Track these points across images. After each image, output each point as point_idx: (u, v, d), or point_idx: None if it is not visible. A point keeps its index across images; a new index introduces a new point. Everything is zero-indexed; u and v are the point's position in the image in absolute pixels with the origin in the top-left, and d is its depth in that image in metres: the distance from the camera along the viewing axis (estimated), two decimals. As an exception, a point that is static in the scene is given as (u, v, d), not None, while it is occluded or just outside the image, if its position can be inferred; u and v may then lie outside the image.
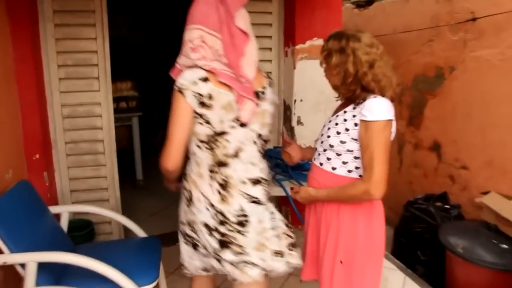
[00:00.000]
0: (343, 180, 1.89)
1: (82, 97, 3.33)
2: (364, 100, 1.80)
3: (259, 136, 1.79)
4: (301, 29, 3.41)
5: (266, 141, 1.86)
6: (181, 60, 1.73)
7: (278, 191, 2.79)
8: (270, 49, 3.61)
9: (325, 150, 1.94)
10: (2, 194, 2.35)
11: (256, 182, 1.79)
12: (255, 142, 1.77)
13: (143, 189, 4.95)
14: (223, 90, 1.65)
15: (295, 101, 3.50)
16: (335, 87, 1.94)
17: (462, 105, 3.52)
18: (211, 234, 1.74)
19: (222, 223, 1.72)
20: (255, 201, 1.77)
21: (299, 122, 3.55)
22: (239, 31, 1.69)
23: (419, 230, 3.36)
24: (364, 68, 1.78)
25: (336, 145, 1.87)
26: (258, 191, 1.79)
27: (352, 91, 1.83)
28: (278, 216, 1.92)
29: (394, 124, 1.82)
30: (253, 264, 1.73)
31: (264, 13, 3.52)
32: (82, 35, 3.23)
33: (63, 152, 3.37)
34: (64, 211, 2.80)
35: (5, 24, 2.86)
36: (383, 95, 1.81)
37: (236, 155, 1.72)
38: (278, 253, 1.80)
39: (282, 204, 3.81)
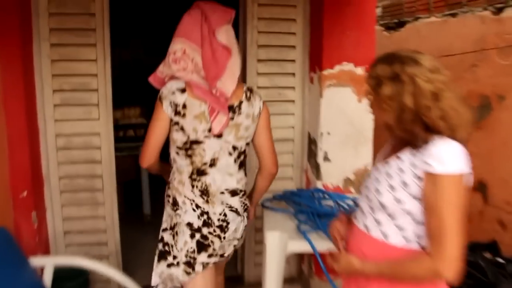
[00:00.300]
0: (398, 252, 1.42)
1: (79, 127, 2.94)
2: (427, 143, 1.35)
3: (234, 148, 1.89)
4: (329, 52, 2.99)
5: (243, 153, 1.95)
6: (162, 69, 1.91)
7: (302, 245, 2.30)
8: (293, 74, 3.19)
9: (373, 210, 1.49)
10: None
11: (233, 193, 1.92)
12: (230, 153, 1.88)
13: (151, 225, 4.48)
14: (198, 102, 1.80)
15: (321, 134, 3.06)
16: (387, 126, 1.46)
17: (514, 139, 3.04)
18: (192, 236, 1.86)
19: (205, 224, 1.86)
20: (235, 211, 1.92)
21: (325, 158, 3.09)
22: (221, 46, 1.78)
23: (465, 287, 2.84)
24: (427, 101, 1.34)
25: (389, 204, 1.41)
26: (236, 202, 1.93)
27: (410, 132, 1.38)
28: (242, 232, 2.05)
29: (471, 177, 1.35)
30: (215, 263, 1.95)
31: (286, 34, 3.12)
32: (81, 56, 2.85)
33: (56, 189, 2.97)
34: (48, 264, 2.36)
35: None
36: (453, 136, 1.35)
37: (213, 163, 1.85)
38: (223, 256, 1.99)
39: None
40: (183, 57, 1.81)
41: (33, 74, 2.78)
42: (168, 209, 1.97)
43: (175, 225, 1.90)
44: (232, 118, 1.85)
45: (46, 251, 2.96)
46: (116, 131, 4.05)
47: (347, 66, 3.03)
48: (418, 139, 1.37)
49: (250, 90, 1.97)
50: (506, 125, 3.12)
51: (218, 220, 1.89)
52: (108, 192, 3.04)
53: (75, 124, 2.93)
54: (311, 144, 3.20)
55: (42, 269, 2.39)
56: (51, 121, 2.88)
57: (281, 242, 2.33)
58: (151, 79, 1.96)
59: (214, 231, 1.88)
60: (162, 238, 1.96)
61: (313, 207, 2.60)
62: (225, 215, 1.90)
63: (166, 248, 1.93)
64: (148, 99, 4.01)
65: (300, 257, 3.45)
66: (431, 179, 1.32)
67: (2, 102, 2.58)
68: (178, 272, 1.88)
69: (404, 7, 3.96)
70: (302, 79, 3.20)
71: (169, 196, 1.95)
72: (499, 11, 3.17)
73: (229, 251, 2.03)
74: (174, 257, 1.90)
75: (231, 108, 1.85)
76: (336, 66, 3.01)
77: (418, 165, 1.36)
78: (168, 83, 1.85)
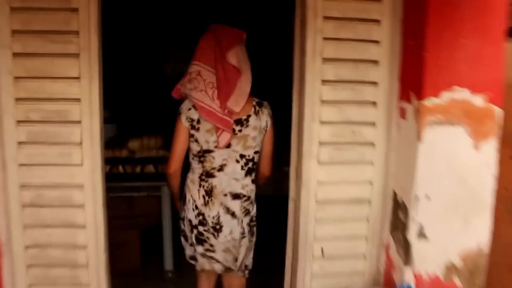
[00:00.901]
0: None
1: (53, 175, 2.00)
2: None
3: (242, 156, 2.10)
4: (434, 71, 1.89)
5: (251, 160, 2.13)
6: (180, 86, 2.11)
7: None
8: (374, 103, 2.12)
9: None
10: None
11: (236, 196, 2.11)
12: (237, 161, 2.09)
13: (172, 284, 3.50)
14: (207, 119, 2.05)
15: (416, 197, 1.96)
16: None
17: None
18: (191, 231, 2.16)
19: (201, 223, 2.12)
20: (231, 214, 2.11)
21: (421, 234, 1.99)
22: (231, 67, 2.01)
23: None
24: None
25: None
26: (236, 205, 2.12)
27: None
28: (247, 231, 2.19)
29: None
30: (218, 261, 2.18)
31: (366, 42, 2.07)
32: (57, 71, 1.92)
33: (20, 262, 2.04)
34: None
35: None
36: None
37: (221, 169, 2.09)
38: (236, 260, 2.18)
39: None
40: (196, 78, 2.03)
41: (-16, 97, 1.88)
42: (182, 203, 2.24)
43: (184, 218, 2.21)
44: (240, 130, 2.06)
45: None
46: (132, 166, 3.17)
47: (461, 94, 1.92)
48: None
49: (259, 104, 2.12)
50: None
51: (212, 222, 2.11)
52: (95, 269, 2.08)
53: (48, 171, 2.00)
54: (399, 210, 2.09)
55: None
56: (13, 166, 1.97)
57: None
58: (173, 93, 2.14)
59: (209, 230, 2.11)
60: (180, 225, 2.28)
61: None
62: (218, 218, 2.10)
63: (183, 233, 2.26)
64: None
65: None
66: None
67: None
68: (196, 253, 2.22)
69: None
70: (388, 111, 2.12)
71: (183, 192, 2.21)
72: None
73: (228, 260, 2.18)
74: (187, 239, 2.23)
75: (239, 122, 2.06)
76: (444, 93, 1.91)
77: None
78: (186, 100, 2.08)
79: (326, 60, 2.04)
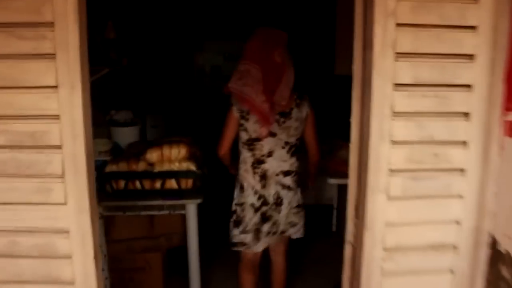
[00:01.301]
0: None
1: (29, 216, 1.50)
2: None
3: (286, 143, 2.34)
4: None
5: (294, 146, 2.37)
6: (231, 83, 2.27)
7: None
8: (466, 115, 1.51)
9: None
10: None
11: (287, 173, 2.37)
12: (283, 147, 2.34)
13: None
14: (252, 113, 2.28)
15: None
16: None
17: None
18: (255, 212, 2.39)
19: (264, 203, 2.38)
20: (287, 188, 2.38)
21: (536, 299, 1.38)
22: (277, 64, 2.21)
23: None
24: None
25: None
26: (288, 180, 2.38)
27: None
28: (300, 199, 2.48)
29: None
30: (282, 231, 2.47)
31: (456, 29, 1.45)
32: (26, 79, 1.40)
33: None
34: None
35: None
36: None
37: (270, 155, 2.33)
38: (295, 224, 2.48)
39: None
40: (246, 75, 2.22)
41: None
42: (237, 191, 2.47)
43: (242, 203, 2.42)
44: (284, 122, 2.30)
45: None
46: (151, 181, 2.68)
47: None
48: None
49: (300, 97, 2.34)
50: None
51: (273, 199, 2.38)
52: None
53: (23, 212, 1.49)
54: (500, 263, 1.50)
55: None
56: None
57: None
58: (225, 91, 2.29)
59: (271, 207, 2.39)
60: (235, 210, 2.46)
61: None
62: (277, 194, 2.38)
63: (238, 219, 2.45)
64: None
65: None
66: None
67: None
68: (247, 238, 2.43)
69: None
70: (485, 125, 1.51)
71: (237, 181, 2.46)
72: None
73: (287, 227, 2.48)
74: (245, 227, 2.42)
75: (283, 114, 2.30)
76: None
77: None
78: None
79: (400, 55, 1.44)
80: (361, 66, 1.52)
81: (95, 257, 1.51)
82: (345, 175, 2.01)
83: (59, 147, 1.44)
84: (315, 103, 2.41)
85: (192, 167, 2.72)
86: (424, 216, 1.58)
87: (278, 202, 2.39)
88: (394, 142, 1.50)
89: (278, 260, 2.68)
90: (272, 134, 2.30)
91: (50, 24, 1.37)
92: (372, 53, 1.42)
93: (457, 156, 1.54)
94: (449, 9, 1.44)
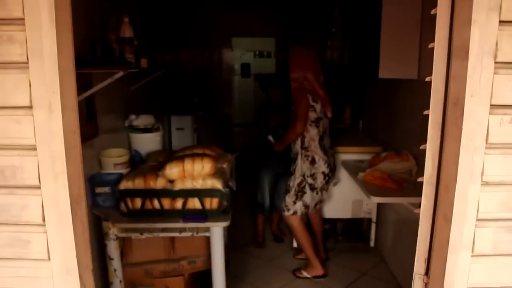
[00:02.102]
0: None
1: (4, 274, 1.13)
2: None
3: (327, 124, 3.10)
4: None
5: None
6: (302, 84, 3.01)
7: None
8: None
9: None
10: None
11: (330, 147, 3.13)
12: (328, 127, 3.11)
13: None
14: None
15: None
16: None
17: None
18: (324, 178, 3.04)
19: (331, 170, 3.07)
20: (333, 156, 3.16)
21: None
22: (319, 71, 3.07)
23: None
24: None
25: None
26: (332, 154, 3.13)
27: None
28: None
29: None
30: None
31: None
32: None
33: None
34: None
35: None
36: None
37: (324, 132, 3.04)
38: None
39: None
40: (305, 79, 2.99)
41: None
42: (306, 164, 3.03)
43: (314, 173, 3.03)
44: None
45: None
46: (172, 200, 2.36)
47: None
48: None
49: None
50: None
51: (333, 165, 3.12)
52: None
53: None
54: None
55: None
56: None
57: None
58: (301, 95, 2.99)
59: (333, 172, 3.14)
60: (304, 181, 3.05)
61: None
62: (334, 161, 3.14)
63: (312, 187, 3.08)
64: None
65: None
66: None
67: None
68: (317, 197, 3.13)
69: None
70: None
71: (308, 156, 3.02)
72: None
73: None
74: (316, 190, 3.09)
75: None
76: None
77: None
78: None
79: (502, 65, 1.04)
80: (443, 79, 1.11)
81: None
82: (387, 192, 2.51)
83: (37, 187, 1.08)
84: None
85: (218, 185, 2.32)
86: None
87: (334, 169, 3.15)
88: (487, 183, 1.10)
89: (317, 217, 3.42)
90: (325, 115, 3.05)
91: (20, 20, 1.00)
92: (465, 63, 1.01)
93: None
94: None
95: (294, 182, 3.14)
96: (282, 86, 3.53)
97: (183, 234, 2.43)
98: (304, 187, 3.14)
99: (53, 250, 1.12)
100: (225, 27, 6.47)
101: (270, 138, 3.34)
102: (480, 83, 1.02)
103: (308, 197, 3.14)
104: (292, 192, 3.16)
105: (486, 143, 1.08)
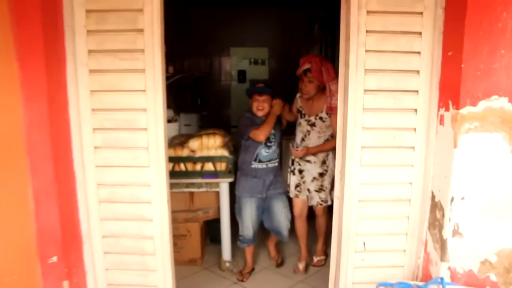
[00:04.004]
0: None
1: (125, 175, 2.29)
2: None
3: None
4: (472, 81, 2.00)
5: None
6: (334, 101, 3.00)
7: None
8: (415, 110, 2.25)
9: None
10: None
11: None
12: None
13: (229, 272, 3.74)
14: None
15: (452, 198, 2.09)
16: None
17: None
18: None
19: None
20: None
21: (456, 233, 2.13)
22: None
23: None
24: None
25: None
26: None
27: None
28: None
29: None
30: None
31: (407, 54, 2.20)
32: (126, 85, 2.19)
33: (99, 249, 2.36)
34: None
35: (11, 72, 1.91)
36: None
37: None
38: None
39: None
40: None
41: (66, 109, 2.18)
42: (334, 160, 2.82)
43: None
44: None
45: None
46: (193, 164, 3.42)
47: (498, 102, 2.02)
48: None
49: None
50: None
51: None
52: (161, 257, 2.36)
53: (120, 172, 2.30)
54: (436, 209, 2.24)
55: None
56: (91, 168, 2.27)
57: None
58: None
59: None
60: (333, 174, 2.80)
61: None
62: None
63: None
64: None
65: None
66: None
67: (24, 147, 2.01)
68: None
69: None
70: (427, 118, 2.25)
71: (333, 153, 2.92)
72: None
73: None
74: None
75: None
76: (481, 102, 2.02)
77: None
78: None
79: (368, 71, 2.20)
80: (343, 78, 2.27)
81: (168, 201, 2.31)
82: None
83: (145, 129, 2.23)
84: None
85: (226, 153, 3.46)
86: (386, 179, 2.33)
87: None
88: (364, 128, 2.25)
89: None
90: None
91: (142, 51, 2.15)
92: (349, 70, 2.17)
93: (409, 138, 2.28)
94: (402, 40, 2.18)
95: (329, 179, 3.34)
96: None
97: (200, 190, 3.55)
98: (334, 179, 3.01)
99: (151, 162, 2.26)
100: (224, 38, 7.57)
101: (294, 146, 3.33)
102: (356, 79, 2.17)
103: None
104: (329, 188, 3.35)
105: (363, 108, 2.23)
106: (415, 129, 2.28)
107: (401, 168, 2.32)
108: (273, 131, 3.28)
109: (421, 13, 2.16)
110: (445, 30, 2.15)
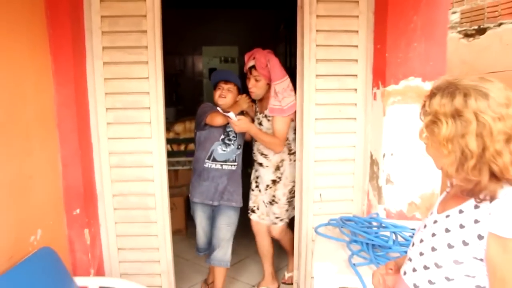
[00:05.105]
0: None
1: (131, 145, 2.90)
2: (494, 196, 1.13)
3: None
4: (394, 66, 2.72)
5: None
6: (284, 102, 3.01)
7: (352, 280, 2.12)
8: (355, 90, 2.95)
9: (426, 268, 1.28)
10: (18, 263, 2.03)
11: None
12: None
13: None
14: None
15: (384, 155, 2.80)
16: (446, 173, 1.24)
17: None
18: None
19: None
20: None
21: (388, 181, 2.84)
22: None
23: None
24: (496, 144, 1.11)
25: (446, 264, 1.21)
26: None
27: (474, 182, 1.15)
28: None
29: None
30: None
31: (348, 47, 2.89)
32: (133, 74, 2.81)
33: (110, 206, 2.96)
34: (91, 285, 2.36)
35: (46, 63, 2.51)
36: None
37: None
38: None
39: None
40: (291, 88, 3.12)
41: (86, 93, 2.78)
42: (294, 168, 3.09)
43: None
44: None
45: (99, 267, 2.97)
46: (178, 145, 4.02)
47: (414, 82, 2.75)
48: (484, 190, 1.14)
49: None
50: None
51: None
52: (161, 210, 2.99)
53: (128, 142, 2.90)
54: (373, 165, 2.95)
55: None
56: (104, 139, 2.87)
57: (329, 275, 2.17)
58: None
59: None
60: (294, 186, 3.16)
61: (368, 238, 2.38)
62: None
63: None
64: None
65: None
66: (498, 242, 1.10)
67: (55, 122, 2.60)
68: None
69: (486, 11, 3.55)
70: (365, 95, 2.95)
71: (295, 160, 3.11)
72: None
73: None
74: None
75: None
76: (402, 82, 2.74)
77: (482, 221, 1.14)
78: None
79: (318, 60, 2.89)
80: (300, 67, 2.95)
81: (165, 164, 2.94)
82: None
83: (148, 108, 2.85)
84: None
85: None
86: (335, 143, 3.03)
87: None
88: (318, 104, 2.94)
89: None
90: None
91: (145, 47, 2.78)
92: (303, 60, 2.86)
93: (351, 111, 2.98)
94: (343, 37, 2.88)
95: (285, 189, 3.13)
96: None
97: (185, 167, 4.20)
98: (293, 192, 3.12)
99: (153, 133, 2.88)
100: (197, 38, 8.05)
101: (232, 115, 2.82)
102: (310, 67, 2.86)
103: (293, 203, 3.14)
104: (283, 201, 3.14)
105: (316, 89, 2.91)
106: (356, 104, 2.98)
107: (346, 135, 3.02)
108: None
109: (357, 16, 2.86)
110: (375, 29, 2.86)
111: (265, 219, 3.22)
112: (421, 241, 1.32)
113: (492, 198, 1.13)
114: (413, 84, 2.74)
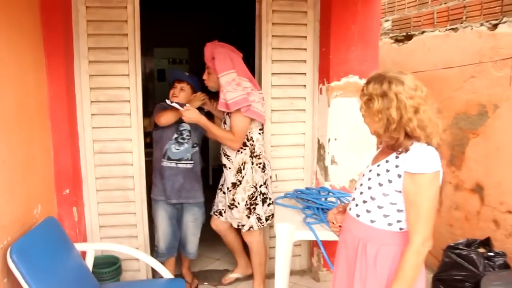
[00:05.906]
0: (380, 233, 1.79)
1: (113, 133, 3.31)
2: (407, 149, 1.71)
3: None
4: (336, 66, 3.32)
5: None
6: (228, 97, 2.89)
7: (307, 235, 2.68)
8: (304, 86, 3.52)
9: (364, 202, 1.84)
10: (29, 230, 2.39)
11: None
12: None
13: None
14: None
15: (329, 140, 3.39)
16: (377, 135, 1.86)
17: (507, 145, 3.31)
18: (270, 184, 3.24)
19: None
20: None
21: (333, 162, 3.42)
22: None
23: (459, 278, 3.12)
24: (408, 114, 1.68)
25: (378, 197, 1.78)
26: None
27: (395, 139, 1.72)
28: None
29: (441, 173, 1.71)
30: None
31: (298, 50, 3.45)
32: (115, 71, 3.23)
33: (93, 188, 3.35)
34: (90, 249, 2.77)
35: (41, 61, 2.88)
36: (429, 142, 1.71)
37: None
38: None
39: (313, 246, 3.66)
40: (251, 91, 3.08)
41: (73, 88, 3.16)
42: (259, 173, 3.01)
43: (266, 180, 3.08)
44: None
45: (84, 242, 3.36)
46: (144, 137, 4.40)
47: (353, 79, 3.35)
48: (401, 145, 1.72)
49: None
50: (499, 132, 3.38)
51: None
52: (139, 191, 3.41)
53: (110, 131, 3.30)
54: (320, 149, 3.53)
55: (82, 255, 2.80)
56: (89, 128, 3.26)
57: (289, 232, 2.72)
58: (248, 113, 3.02)
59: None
60: (260, 191, 3.04)
61: (319, 203, 2.95)
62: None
63: (266, 196, 3.08)
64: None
65: (310, 252, 3.78)
66: (410, 178, 1.68)
67: (48, 112, 2.97)
68: (269, 210, 3.06)
69: (412, 21, 4.25)
70: (312, 90, 3.53)
71: (260, 164, 3.03)
72: (494, 27, 3.44)
73: None
74: (268, 201, 3.08)
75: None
76: (343, 79, 3.34)
77: (400, 166, 1.72)
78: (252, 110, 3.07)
79: (274, 61, 3.44)
80: (258, 67, 3.49)
81: (143, 150, 3.38)
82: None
83: (128, 101, 3.28)
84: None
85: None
86: (288, 131, 3.58)
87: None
88: (273, 98, 3.48)
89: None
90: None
91: (126, 48, 3.21)
92: (261, 61, 3.40)
93: (301, 104, 3.55)
94: (295, 41, 3.45)
95: (244, 194, 2.98)
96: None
97: (149, 158, 4.59)
98: (256, 198, 2.98)
99: (132, 123, 3.31)
100: (148, 40, 8.28)
101: (175, 104, 2.92)
102: (266, 66, 3.40)
103: (260, 209, 3.02)
104: (242, 206, 2.98)
105: (272, 85, 3.46)
106: (305, 98, 3.55)
107: (297, 124, 3.58)
108: (188, 127, 3.12)
109: (306, 24, 3.44)
110: (320, 35, 3.45)
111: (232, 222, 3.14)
112: (361, 185, 1.89)
113: (406, 150, 1.71)
114: (352, 81, 3.35)
